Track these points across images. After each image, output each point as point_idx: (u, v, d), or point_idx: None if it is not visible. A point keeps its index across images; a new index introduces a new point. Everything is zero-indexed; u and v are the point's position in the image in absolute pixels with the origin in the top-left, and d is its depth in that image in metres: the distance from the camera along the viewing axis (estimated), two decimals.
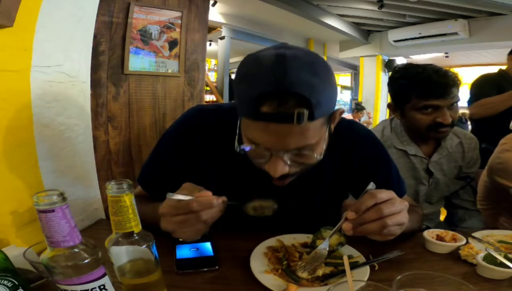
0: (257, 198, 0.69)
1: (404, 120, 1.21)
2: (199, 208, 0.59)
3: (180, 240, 0.76)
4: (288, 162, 0.64)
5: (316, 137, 0.63)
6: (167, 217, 0.62)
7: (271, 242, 0.76)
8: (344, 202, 0.69)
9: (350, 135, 0.86)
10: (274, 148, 0.62)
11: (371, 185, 0.67)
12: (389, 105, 1.25)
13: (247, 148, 0.65)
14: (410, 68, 1.17)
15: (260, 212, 0.68)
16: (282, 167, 0.63)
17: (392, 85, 1.21)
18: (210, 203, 0.60)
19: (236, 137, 0.70)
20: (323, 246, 0.66)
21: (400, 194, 0.88)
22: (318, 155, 0.65)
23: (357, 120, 6.24)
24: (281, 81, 0.55)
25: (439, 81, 1.07)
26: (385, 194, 0.63)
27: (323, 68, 0.61)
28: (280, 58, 0.57)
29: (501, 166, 1.18)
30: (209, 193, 0.62)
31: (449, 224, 1.38)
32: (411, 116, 1.15)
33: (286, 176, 0.67)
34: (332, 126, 0.71)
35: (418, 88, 1.10)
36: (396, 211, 0.62)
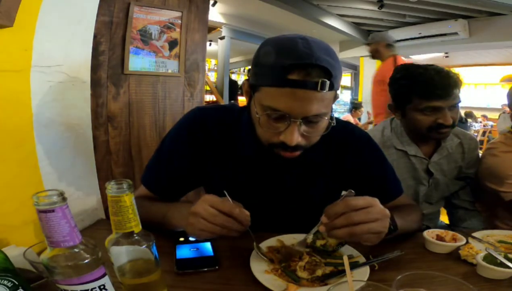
0: (261, 219, 0.72)
1: (405, 121, 1.21)
2: (236, 216, 0.64)
3: (181, 239, 0.77)
4: (303, 132, 0.70)
5: (329, 108, 0.71)
6: (207, 203, 0.65)
7: (272, 242, 0.76)
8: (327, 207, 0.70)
9: (345, 136, 0.88)
10: (296, 113, 0.67)
11: (348, 192, 0.68)
12: (389, 106, 1.24)
13: (264, 115, 0.70)
14: (411, 68, 1.16)
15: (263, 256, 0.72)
16: (297, 135, 0.69)
17: (393, 85, 1.20)
18: (246, 220, 0.66)
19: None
20: (301, 243, 0.72)
21: (397, 194, 0.90)
22: (329, 121, 0.73)
23: (356, 119, 6.24)
24: (309, 55, 0.64)
25: (441, 83, 1.06)
26: (362, 201, 0.64)
27: (334, 52, 0.71)
28: (304, 39, 0.68)
29: (488, 171, 1.19)
30: (248, 214, 0.67)
31: (449, 223, 1.38)
32: (412, 117, 1.15)
33: (297, 147, 0.71)
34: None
35: (420, 89, 1.09)
36: (370, 220, 0.63)
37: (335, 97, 0.73)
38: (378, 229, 0.64)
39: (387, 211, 0.65)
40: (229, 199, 0.67)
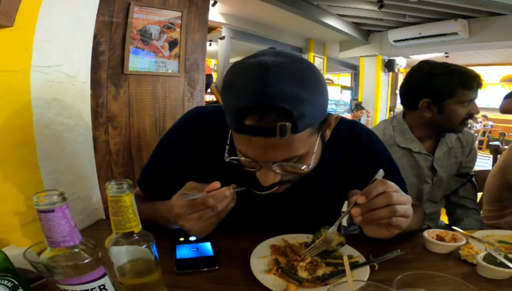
0: (261, 220, 0.73)
1: (440, 117, 1.18)
2: (214, 202, 0.62)
3: (181, 239, 0.77)
4: (278, 171, 0.64)
5: (305, 148, 0.62)
6: (185, 216, 0.64)
7: (272, 241, 0.76)
8: (350, 192, 0.68)
9: (351, 135, 0.85)
10: (260, 160, 0.62)
11: (381, 172, 0.64)
12: (423, 103, 1.20)
13: (237, 157, 0.66)
14: (439, 64, 1.19)
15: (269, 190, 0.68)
16: (272, 177, 0.63)
17: (431, 81, 1.18)
18: (224, 194, 0.63)
19: (227, 147, 0.70)
20: (331, 231, 0.68)
21: None
22: (307, 165, 0.65)
23: (357, 120, 6.25)
24: (261, 95, 0.53)
25: (476, 74, 1.14)
26: (394, 185, 0.62)
27: (310, 76, 0.59)
28: (262, 68, 0.55)
29: None
30: (218, 184, 0.64)
31: (448, 223, 1.38)
32: (453, 110, 1.16)
33: (280, 183, 0.67)
34: (328, 132, 0.71)
35: (467, 82, 1.13)
36: (404, 202, 0.61)
37: (330, 120, 0.68)
38: (409, 212, 0.62)
39: (409, 197, 0.64)
40: (192, 195, 0.63)
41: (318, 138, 0.65)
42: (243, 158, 0.64)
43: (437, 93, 1.17)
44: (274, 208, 0.85)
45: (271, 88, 0.53)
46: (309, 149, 0.63)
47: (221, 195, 0.63)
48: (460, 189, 1.33)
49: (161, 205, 0.77)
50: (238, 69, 0.60)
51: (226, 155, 0.68)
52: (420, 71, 1.23)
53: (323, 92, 0.62)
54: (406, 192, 0.89)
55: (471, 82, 1.13)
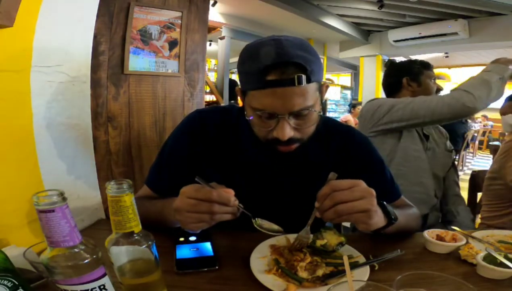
0: (269, 218, 0.74)
1: (420, 90, 1.51)
2: (216, 199, 0.63)
3: (181, 239, 0.77)
4: (294, 125, 0.73)
5: (313, 100, 0.73)
6: (185, 195, 0.65)
7: (272, 241, 0.76)
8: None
9: (346, 138, 0.92)
10: (281, 110, 0.70)
11: (331, 175, 0.69)
12: (405, 80, 1.54)
13: (255, 116, 0.74)
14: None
15: (265, 230, 0.72)
16: (289, 130, 0.72)
17: (407, 64, 1.60)
18: (228, 200, 0.64)
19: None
20: (304, 232, 0.72)
21: (395, 197, 0.92)
22: (313, 121, 0.76)
23: (356, 119, 6.24)
24: (280, 55, 0.68)
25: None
26: (346, 182, 0.66)
27: (310, 46, 0.74)
28: (276, 40, 0.71)
29: None
30: (232, 192, 0.66)
31: (443, 222, 1.42)
32: (428, 84, 1.52)
33: (292, 141, 0.74)
34: (323, 95, 0.80)
35: (424, 66, 1.56)
36: (354, 198, 0.64)
37: (322, 87, 0.77)
38: (364, 207, 0.64)
39: (372, 190, 0.66)
40: (204, 184, 0.66)
41: (319, 97, 0.76)
42: (262, 116, 0.73)
43: (413, 72, 1.53)
44: (275, 209, 0.86)
45: (287, 50, 0.68)
46: (315, 102, 0.74)
47: (225, 198, 0.64)
48: (449, 172, 1.50)
49: (162, 201, 0.79)
50: (254, 45, 0.73)
51: (251, 114, 0.75)
52: (394, 62, 1.69)
53: (320, 59, 0.76)
54: (398, 193, 0.93)
55: (428, 65, 1.55)
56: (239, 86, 0.80)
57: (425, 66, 1.55)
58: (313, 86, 0.72)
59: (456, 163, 1.69)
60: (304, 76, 0.68)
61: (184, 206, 0.65)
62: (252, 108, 0.74)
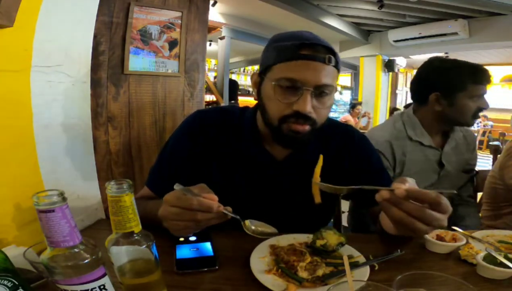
0: (269, 218, 0.72)
1: (451, 110, 1.21)
2: (197, 207, 0.61)
3: (181, 239, 0.76)
4: (314, 104, 0.76)
5: (334, 83, 0.79)
6: (167, 204, 0.65)
7: (272, 241, 0.76)
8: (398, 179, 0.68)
9: (346, 138, 0.92)
10: (309, 81, 0.75)
11: (451, 192, 0.70)
12: (432, 96, 1.23)
13: (278, 88, 0.77)
14: (449, 60, 1.25)
15: (258, 234, 0.70)
16: (309, 103, 0.75)
17: (442, 75, 1.22)
18: (210, 207, 0.62)
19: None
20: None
21: None
22: (330, 103, 0.81)
23: (356, 119, 6.24)
24: (315, 38, 0.78)
25: (486, 69, 1.19)
26: (445, 202, 0.60)
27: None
28: (309, 32, 0.82)
29: None
30: (215, 198, 0.64)
31: (448, 222, 1.41)
32: (463, 104, 1.19)
33: (308, 119, 0.77)
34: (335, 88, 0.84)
35: (479, 76, 1.17)
36: (439, 219, 0.60)
37: (336, 81, 0.81)
38: (440, 224, 0.61)
39: (450, 208, 0.62)
40: (184, 191, 0.64)
41: (334, 88, 0.80)
42: (288, 84, 0.76)
43: (447, 87, 1.20)
44: (275, 208, 0.86)
45: (320, 38, 0.79)
46: (333, 89, 0.79)
47: (205, 206, 0.62)
48: (462, 187, 1.36)
49: (159, 202, 0.78)
50: (287, 32, 0.83)
51: (272, 88, 0.78)
52: (430, 66, 1.27)
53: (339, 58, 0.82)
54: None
55: (481, 76, 1.17)
56: (257, 72, 0.85)
57: (474, 78, 1.17)
58: (335, 73, 0.79)
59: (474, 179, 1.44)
60: (333, 58, 0.76)
61: (168, 215, 0.64)
62: (277, 80, 0.77)
